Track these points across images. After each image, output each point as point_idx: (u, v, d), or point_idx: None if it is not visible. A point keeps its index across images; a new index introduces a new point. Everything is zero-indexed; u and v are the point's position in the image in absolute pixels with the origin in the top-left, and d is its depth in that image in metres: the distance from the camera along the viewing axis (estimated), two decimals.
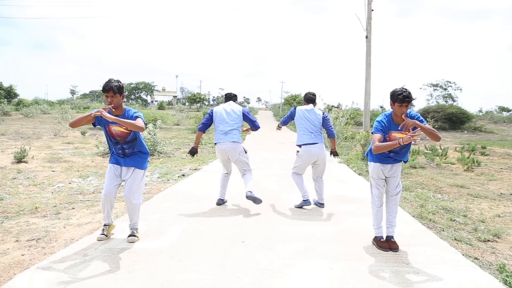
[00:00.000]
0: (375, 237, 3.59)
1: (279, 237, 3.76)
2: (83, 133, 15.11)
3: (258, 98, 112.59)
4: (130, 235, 3.55)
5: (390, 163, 3.52)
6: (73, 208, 4.80)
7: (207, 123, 4.87)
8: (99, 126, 3.51)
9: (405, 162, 3.61)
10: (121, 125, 3.36)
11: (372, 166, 3.58)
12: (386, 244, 3.47)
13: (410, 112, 3.37)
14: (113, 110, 3.33)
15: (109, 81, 3.34)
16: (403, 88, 3.26)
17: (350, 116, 14.46)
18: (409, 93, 3.22)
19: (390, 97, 3.31)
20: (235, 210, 4.54)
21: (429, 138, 3.67)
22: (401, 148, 3.43)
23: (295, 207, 4.86)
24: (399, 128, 3.31)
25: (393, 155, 3.49)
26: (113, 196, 3.49)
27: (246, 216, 4.43)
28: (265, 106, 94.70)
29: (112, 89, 3.29)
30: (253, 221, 4.27)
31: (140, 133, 3.60)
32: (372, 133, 3.49)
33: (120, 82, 3.39)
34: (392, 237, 3.54)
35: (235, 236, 3.75)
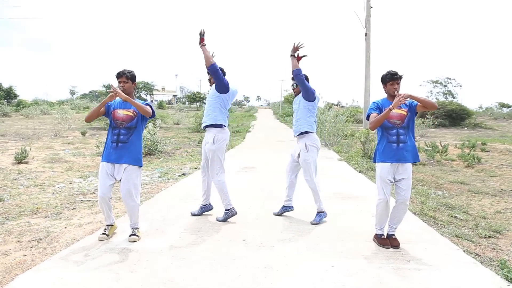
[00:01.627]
0: (376, 234, 3.59)
1: (280, 235, 3.76)
2: (83, 133, 15.11)
3: (258, 96, 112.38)
4: (131, 235, 3.56)
5: (400, 161, 3.38)
6: (74, 208, 4.80)
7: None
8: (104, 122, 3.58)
9: (416, 161, 3.47)
10: (127, 109, 3.51)
11: (380, 167, 3.46)
12: (387, 241, 3.47)
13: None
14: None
15: (123, 69, 3.56)
16: (389, 70, 3.45)
17: (350, 113, 14.49)
18: (396, 71, 3.43)
19: (381, 81, 3.49)
20: (235, 209, 4.54)
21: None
22: (405, 134, 3.39)
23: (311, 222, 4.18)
24: (405, 105, 3.43)
25: (402, 146, 3.38)
26: (108, 196, 3.48)
27: (247, 215, 4.43)
28: (265, 105, 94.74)
29: (125, 75, 3.51)
30: (254, 220, 4.27)
31: (142, 128, 3.62)
32: (367, 115, 3.54)
33: (133, 71, 3.58)
34: (393, 234, 3.54)
35: (236, 234, 3.76)
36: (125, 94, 3.48)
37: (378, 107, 3.47)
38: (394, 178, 3.45)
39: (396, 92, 3.36)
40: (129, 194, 3.47)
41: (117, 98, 3.58)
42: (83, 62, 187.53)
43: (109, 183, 3.48)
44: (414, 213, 4.61)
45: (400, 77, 3.41)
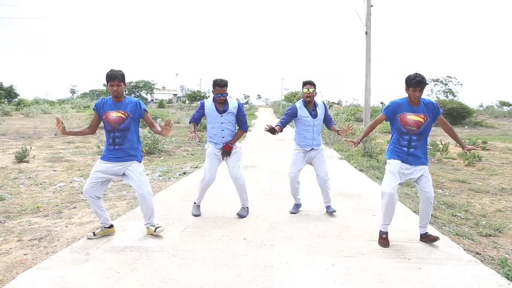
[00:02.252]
0: (380, 230, 3.54)
1: (280, 234, 3.76)
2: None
3: (258, 95, 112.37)
4: (156, 228, 3.59)
5: (411, 164, 3.39)
6: (74, 207, 4.81)
7: None
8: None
9: (423, 164, 3.44)
10: (118, 110, 3.46)
11: (390, 162, 3.46)
12: (387, 242, 3.44)
13: (424, 99, 3.42)
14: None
15: (113, 70, 3.42)
16: (417, 73, 3.31)
17: (350, 112, 14.48)
18: (423, 78, 3.28)
19: (405, 82, 3.36)
20: (236, 208, 4.54)
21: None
22: (418, 140, 3.38)
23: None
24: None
25: (412, 151, 3.39)
26: (92, 194, 3.45)
27: (247, 216, 4.43)
28: (265, 103, 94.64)
29: (118, 78, 3.39)
30: (254, 219, 4.27)
31: (137, 128, 3.61)
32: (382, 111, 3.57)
33: (122, 71, 3.47)
34: (426, 232, 3.53)
35: (237, 233, 3.76)
36: (119, 95, 3.44)
37: (391, 110, 3.43)
38: (410, 177, 3.43)
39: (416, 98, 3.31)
40: (144, 188, 3.50)
41: (107, 97, 3.56)
42: (83, 61, 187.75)
43: (96, 181, 3.47)
44: (415, 211, 4.60)
45: (425, 85, 3.31)
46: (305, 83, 4.30)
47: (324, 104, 4.47)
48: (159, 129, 3.60)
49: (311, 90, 4.24)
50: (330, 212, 4.42)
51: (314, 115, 4.32)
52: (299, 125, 4.38)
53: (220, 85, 4.05)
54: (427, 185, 3.41)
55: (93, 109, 3.61)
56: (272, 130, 4.03)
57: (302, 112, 4.32)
